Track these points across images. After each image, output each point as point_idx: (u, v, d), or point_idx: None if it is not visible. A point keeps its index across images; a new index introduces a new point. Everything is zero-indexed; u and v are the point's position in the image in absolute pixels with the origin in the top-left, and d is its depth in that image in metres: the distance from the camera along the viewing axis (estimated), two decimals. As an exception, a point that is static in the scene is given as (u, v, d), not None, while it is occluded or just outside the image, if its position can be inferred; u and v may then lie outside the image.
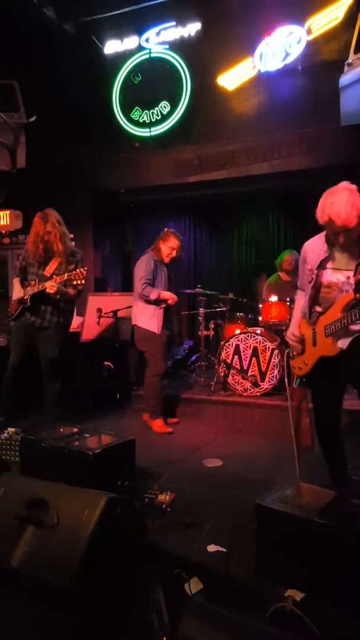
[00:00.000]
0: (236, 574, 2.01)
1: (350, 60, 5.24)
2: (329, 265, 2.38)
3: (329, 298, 2.37)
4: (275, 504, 1.95)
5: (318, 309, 2.44)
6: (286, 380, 2.77)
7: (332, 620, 1.66)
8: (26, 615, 1.71)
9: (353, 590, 1.72)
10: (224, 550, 2.18)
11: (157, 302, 4.09)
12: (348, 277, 2.30)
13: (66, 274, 3.58)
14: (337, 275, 2.35)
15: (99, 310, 4.90)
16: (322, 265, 2.39)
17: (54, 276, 3.65)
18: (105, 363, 5.04)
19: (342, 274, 2.33)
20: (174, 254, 4.20)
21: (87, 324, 5.20)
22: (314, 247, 2.46)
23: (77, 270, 3.59)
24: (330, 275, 2.36)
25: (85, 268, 3.65)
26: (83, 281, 3.61)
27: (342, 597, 1.72)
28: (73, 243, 4.00)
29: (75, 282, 3.61)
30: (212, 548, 2.20)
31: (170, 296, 4.12)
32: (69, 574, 1.65)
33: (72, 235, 5.74)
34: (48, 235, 3.69)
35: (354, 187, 2.23)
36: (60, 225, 3.76)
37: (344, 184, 2.25)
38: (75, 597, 1.66)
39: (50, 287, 3.58)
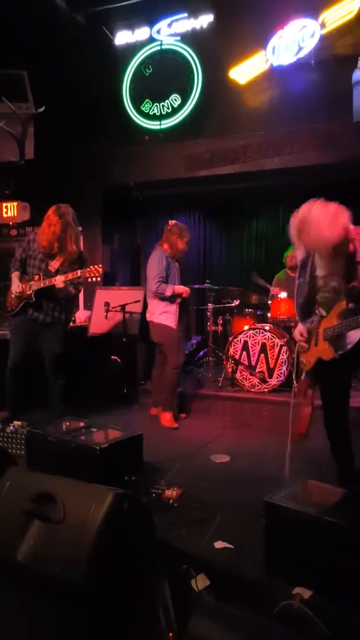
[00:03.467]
0: (244, 571, 1.99)
1: (364, 56, 5.16)
2: (322, 272, 2.43)
3: (327, 303, 2.43)
4: (285, 501, 1.93)
5: (322, 312, 2.48)
6: (294, 375, 2.80)
7: (340, 618, 1.63)
8: (33, 609, 1.70)
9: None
10: (232, 547, 2.16)
11: (172, 297, 4.08)
12: (335, 283, 2.36)
13: (79, 271, 3.52)
14: (327, 282, 2.41)
15: (107, 304, 4.88)
16: (313, 267, 2.46)
17: (64, 274, 3.58)
18: (113, 358, 5.03)
19: (331, 278, 2.38)
20: (186, 248, 4.21)
21: (95, 318, 5.19)
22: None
23: (93, 267, 3.53)
24: (322, 282, 2.43)
25: (101, 265, 3.58)
26: (99, 278, 3.57)
27: (350, 596, 1.70)
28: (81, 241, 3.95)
29: (90, 280, 3.58)
30: (219, 544, 2.18)
31: (184, 290, 4.13)
32: (77, 569, 1.64)
33: (80, 228, 5.74)
34: (64, 234, 3.62)
35: (336, 214, 2.22)
36: (76, 225, 3.70)
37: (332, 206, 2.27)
38: (82, 592, 1.65)
39: (61, 281, 3.52)
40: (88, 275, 3.53)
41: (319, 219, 2.22)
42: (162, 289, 4.03)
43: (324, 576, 1.75)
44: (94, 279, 3.55)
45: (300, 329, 2.62)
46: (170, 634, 1.69)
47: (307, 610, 1.61)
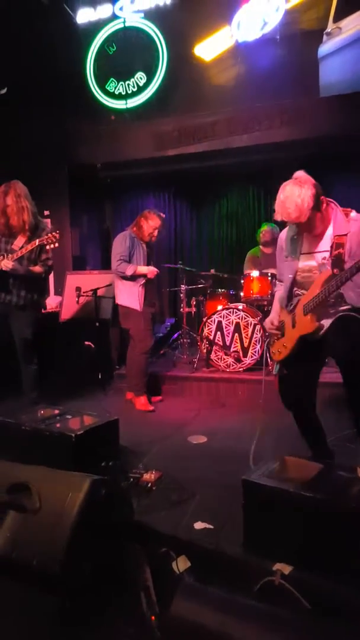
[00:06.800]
0: (224, 550, 2.00)
1: (329, 30, 5.13)
2: (304, 250, 2.38)
3: (310, 281, 2.37)
4: (262, 478, 1.94)
5: (298, 291, 2.44)
6: (265, 366, 2.76)
7: (321, 592, 1.66)
8: (12, 600, 1.67)
9: (341, 562, 1.72)
10: (211, 527, 2.16)
11: (134, 277, 4.02)
12: (323, 258, 2.30)
13: (37, 240, 3.44)
14: (310, 261, 2.36)
15: (78, 289, 4.78)
16: (295, 253, 2.40)
17: (19, 250, 3.48)
18: (86, 343, 4.95)
19: (314, 257, 2.33)
20: (155, 233, 4.15)
21: (66, 303, 5.08)
22: (288, 235, 2.45)
23: (50, 234, 3.44)
24: (305, 261, 2.37)
25: (58, 231, 3.50)
26: (56, 244, 3.47)
27: (330, 569, 1.72)
28: (48, 221, 3.81)
29: (48, 247, 3.49)
30: (199, 525, 2.18)
31: (148, 270, 4.05)
32: (55, 559, 1.61)
33: (47, 212, 5.55)
34: (7, 208, 3.51)
35: (301, 177, 2.22)
36: (19, 198, 3.54)
37: (296, 174, 2.25)
38: (61, 582, 1.62)
39: (5, 265, 3.42)
40: (46, 243, 3.45)
41: (293, 191, 2.21)
42: (122, 268, 3.99)
43: (303, 551, 1.77)
44: (52, 245, 3.47)
45: (271, 318, 2.55)
46: (153, 618, 1.68)
47: (288, 586, 1.62)
